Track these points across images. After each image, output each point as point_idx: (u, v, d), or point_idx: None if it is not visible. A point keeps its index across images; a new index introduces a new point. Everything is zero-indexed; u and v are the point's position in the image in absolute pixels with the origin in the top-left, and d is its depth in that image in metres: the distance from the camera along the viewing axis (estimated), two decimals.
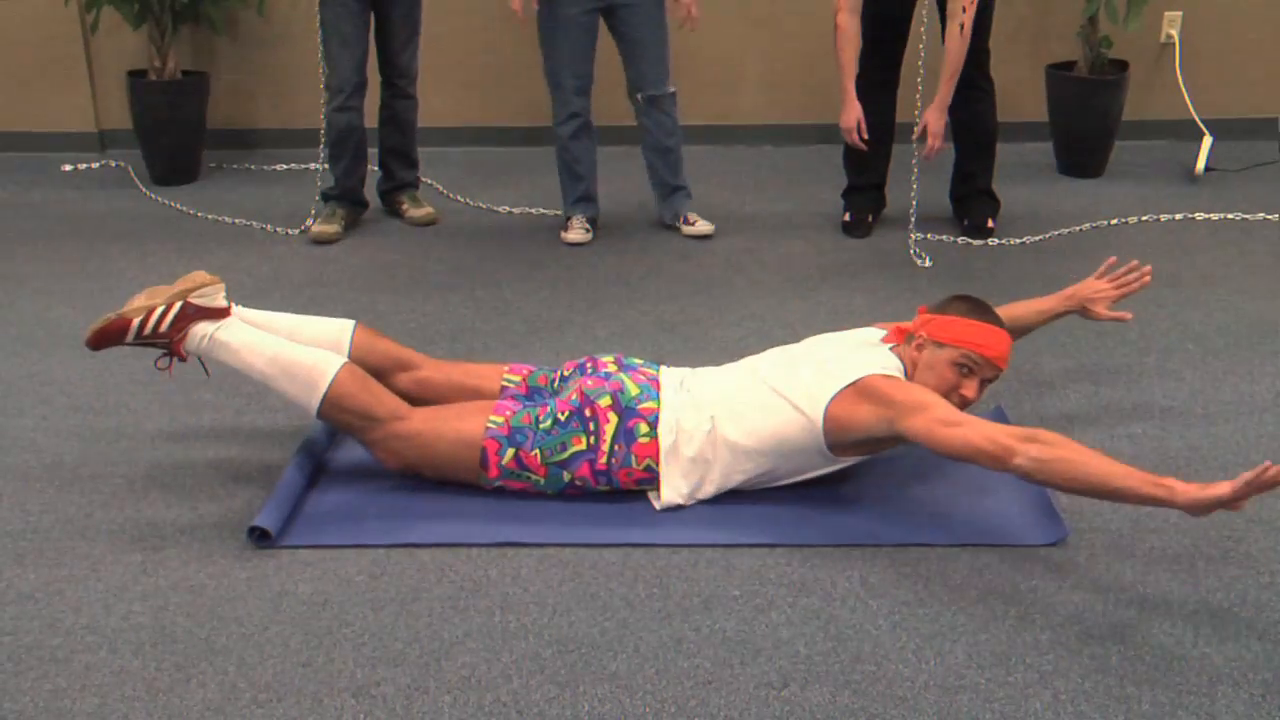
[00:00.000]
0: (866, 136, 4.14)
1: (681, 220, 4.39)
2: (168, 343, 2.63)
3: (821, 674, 2.09)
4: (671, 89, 4.27)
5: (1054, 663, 2.11)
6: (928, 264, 4.05)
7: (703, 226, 4.36)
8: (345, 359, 2.64)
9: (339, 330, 2.79)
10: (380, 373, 2.71)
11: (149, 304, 2.63)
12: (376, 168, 4.62)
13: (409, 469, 2.64)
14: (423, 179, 4.74)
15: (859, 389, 2.47)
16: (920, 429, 2.37)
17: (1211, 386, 3.13)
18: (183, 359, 2.66)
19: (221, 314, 2.66)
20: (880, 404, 2.44)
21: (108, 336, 2.64)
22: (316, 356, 2.62)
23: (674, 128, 4.33)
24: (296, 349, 2.64)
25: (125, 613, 2.28)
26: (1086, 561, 2.39)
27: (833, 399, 2.48)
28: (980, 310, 2.62)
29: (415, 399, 2.71)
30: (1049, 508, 2.54)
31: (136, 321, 2.62)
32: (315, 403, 2.59)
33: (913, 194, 4.21)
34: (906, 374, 2.58)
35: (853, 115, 4.12)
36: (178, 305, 2.63)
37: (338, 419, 2.63)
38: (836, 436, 2.49)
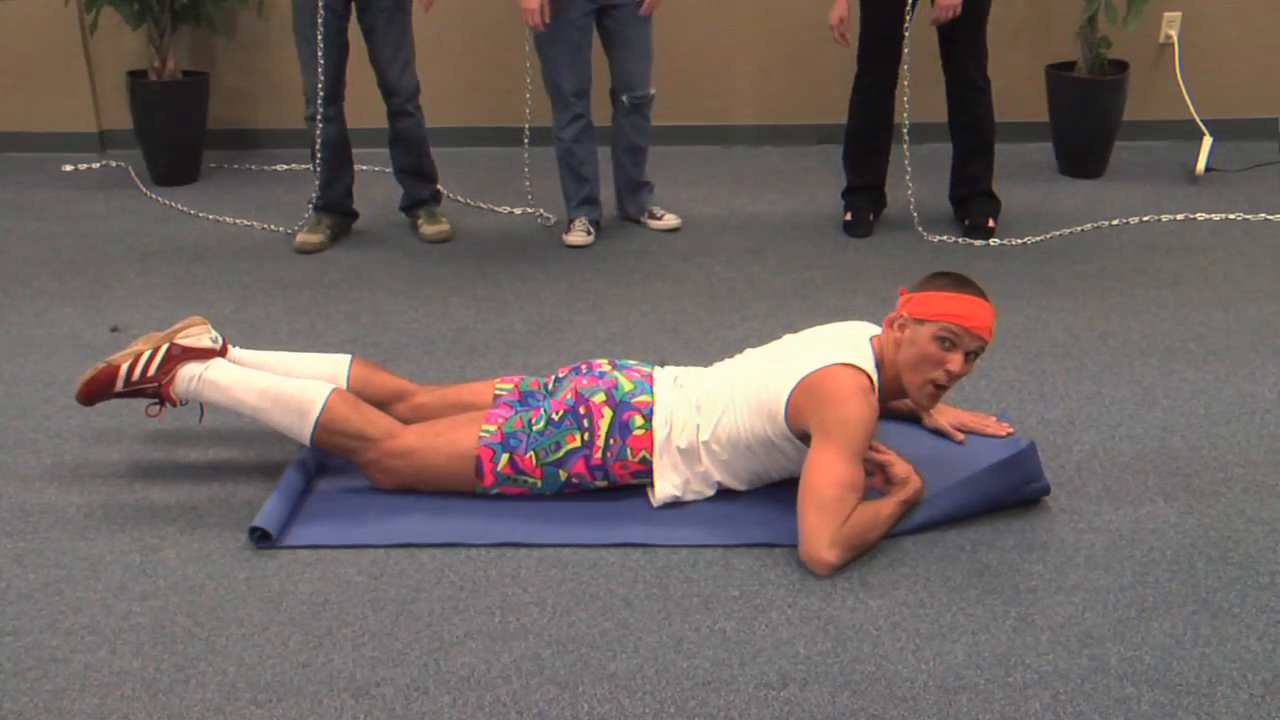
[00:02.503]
0: (848, 35, 4.13)
1: (648, 215, 4.42)
2: (156, 387, 2.63)
3: (821, 674, 2.09)
4: (653, 91, 4.29)
5: (1054, 663, 2.11)
6: (934, 240, 4.17)
7: (670, 220, 4.40)
8: (336, 386, 2.64)
9: (335, 365, 2.79)
10: (378, 405, 2.70)
11: (136, 350, 2.64)
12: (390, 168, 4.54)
13: (405, 487, 2.63)
14: (444, 191, 4.59)
15: (808, 384, 2.46)
16: (812, 469, 2.39)
17: (1212, 386, 3.13)
18: (174, 404, 2.66)
19: (209, 354, 2.66)
20: (816, 406, 2.43)
21: (98, 386, 2.64)
22: (306, 385, 2.62)
23: (648, 129, 4.38)
24: (286, 381, 2.64)
25: (125, 613, 2.28)
26: (1086, 561, 2.39)
27: (792, 392, 2.47)
28: (959, 283, 2.54)
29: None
30: (1037, 474, 2.56)
31: (124, 367, 2.62)
32: (308, 430, 2.59)
33: (906, 144, 4.26)
34: (877, 364, 2.54)
35: (837, 13, 4.11)
36: (164, 347, 2.63)
37: (332, 444, 2.62)
38: (800, 430, 2.49)
